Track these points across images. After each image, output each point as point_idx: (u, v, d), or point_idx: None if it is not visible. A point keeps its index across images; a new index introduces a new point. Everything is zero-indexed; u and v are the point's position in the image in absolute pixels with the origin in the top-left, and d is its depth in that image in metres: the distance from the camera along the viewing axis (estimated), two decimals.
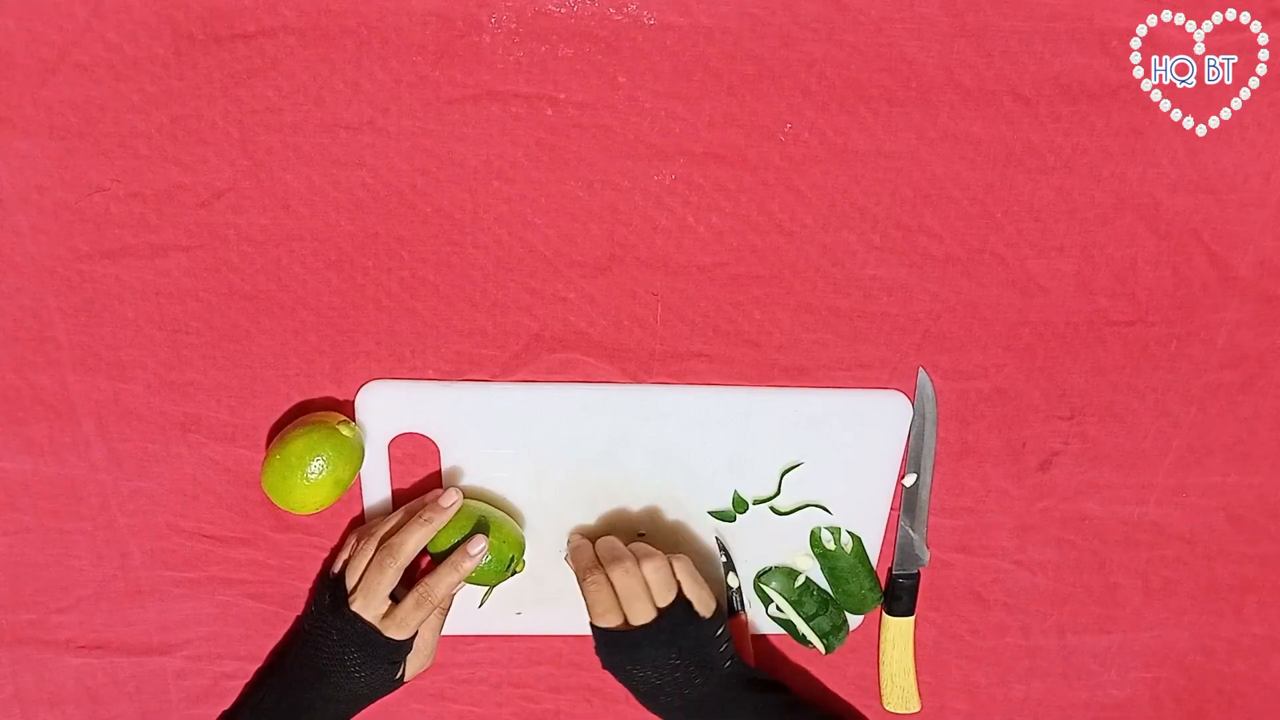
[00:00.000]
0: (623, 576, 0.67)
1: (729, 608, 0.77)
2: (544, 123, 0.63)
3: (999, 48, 0.62)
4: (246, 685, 0.78)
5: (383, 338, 0.68)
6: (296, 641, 0.73)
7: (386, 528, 0.68)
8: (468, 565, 0.68)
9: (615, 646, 0.68)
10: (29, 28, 0.58)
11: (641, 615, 0.66)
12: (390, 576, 0.67)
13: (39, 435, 0.69)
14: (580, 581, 0.68)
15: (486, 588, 0.72)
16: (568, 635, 0.79)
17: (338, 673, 0.68)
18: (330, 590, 0.69)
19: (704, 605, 0.69)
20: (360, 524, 0.74)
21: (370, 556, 0.67)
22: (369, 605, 0.67)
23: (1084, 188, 0.67)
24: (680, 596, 0.68)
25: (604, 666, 0.70)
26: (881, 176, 0.66)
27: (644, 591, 0.67)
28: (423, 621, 0.68)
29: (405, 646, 0.69)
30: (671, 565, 0.68)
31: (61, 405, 0.69)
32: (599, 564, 0.68)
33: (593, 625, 0.69)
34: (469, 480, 0.73)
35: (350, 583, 0.68)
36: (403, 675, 0.71)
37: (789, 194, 0.66)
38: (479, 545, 0.68)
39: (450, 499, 0.68)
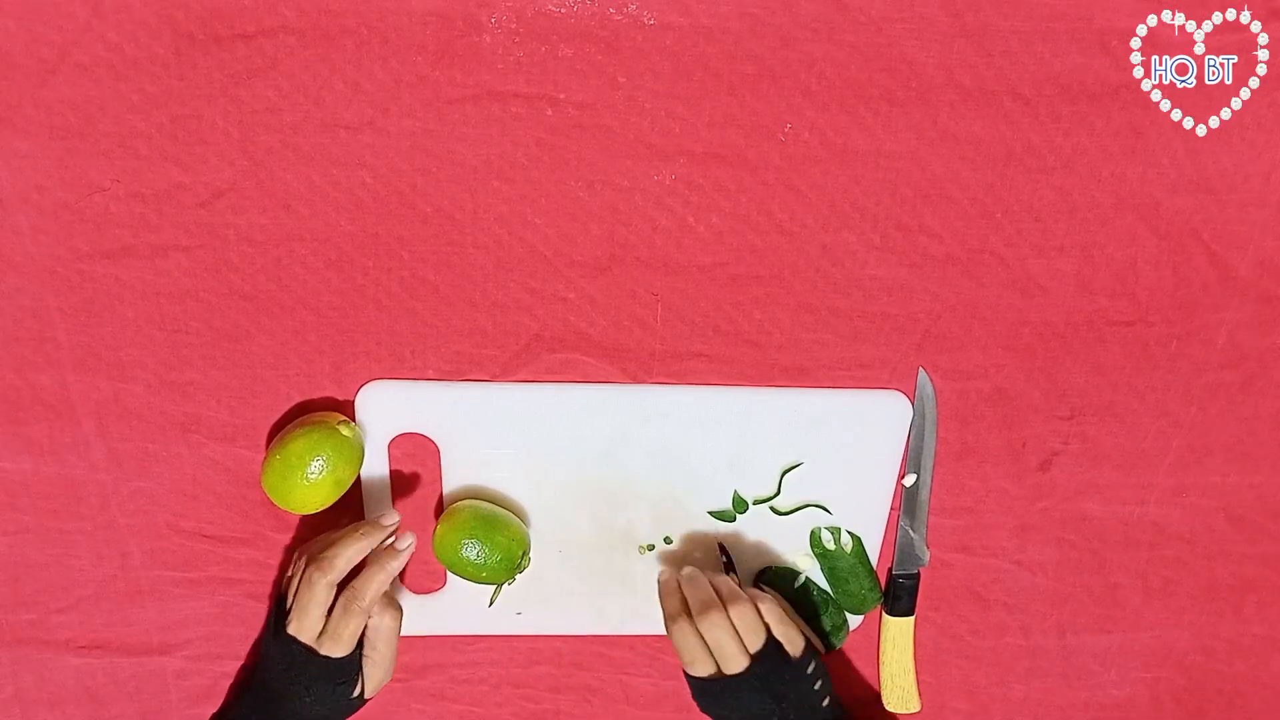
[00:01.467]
0: (711, 629, 0.66)
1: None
2: (544, 123, 0.63)
3: (999, 48, 0.62)
4: (228, 697, 0.77)
5: (383, 338, 0.68)
6: (258, 663, 0.70)
7: (324, 545, 0.66)
8: (395, 564, 0.66)
9: (711, 696, 0.67)
10: (29, 28, 0.58)
11: (734, 665, 0.65)
12: (321, 593, 0.63)
13: (39, 435, 0.69)
14: (666, 626, 0.68)
15: (495, 586, 0.72)
16: (568, 635, 0.79)
17: (290, 698, 0.66)
18: (274, 613, 0.66)
19: (793, 645, 0.68)
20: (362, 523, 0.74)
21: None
22: (303, 625, 0.64)
23: (1084, 188, 0.67)
24: (770, 638, 0.67)
25: (702, 711, 0.69)
26: (881, 176, 0.65)
27: (734, 641, 0.66)
28: (357, 631, 0.65)
29: (348, 664, 0.65)
30: (758, 607, 0.67)
31: (61, 405, 0.69)
32: (685, 609, 0.67)
33: (685, 674, 0.68)
34: (469, 480, 0.73)
35: (289, 603, 0.65)
36: (361, 693, 0.67)
37: (789, 194, 0.66)
38: (407, 541, 0.66)
39: (391, 519, 0.67)
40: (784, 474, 0.74)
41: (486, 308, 0.68)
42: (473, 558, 0.69)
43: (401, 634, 0.78)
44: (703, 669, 0.67)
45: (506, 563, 0.70)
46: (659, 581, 0.71)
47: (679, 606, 0.68)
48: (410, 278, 0.67)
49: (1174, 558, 0.81)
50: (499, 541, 0.69)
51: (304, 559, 0.66)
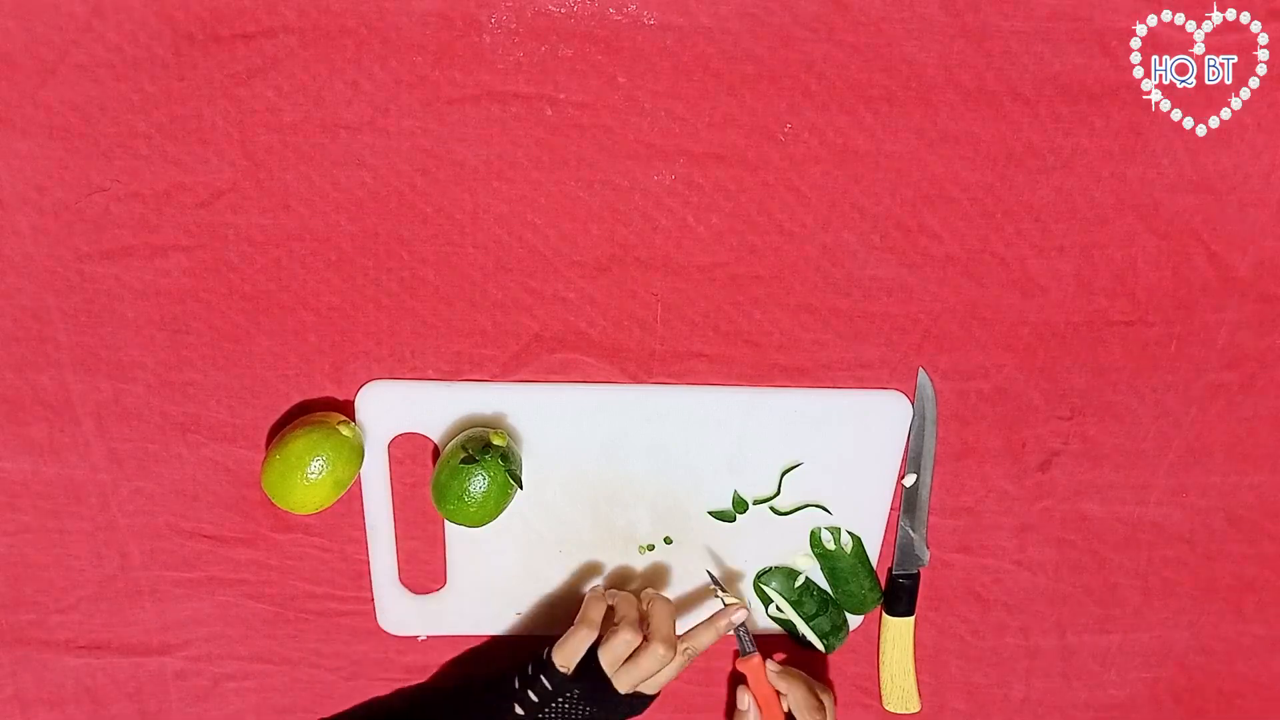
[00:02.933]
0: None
1: (740, 649, 0.75)
2: (544, 123, 0.63)
3: (999, 48, 0.62)
4: None
5: (383, 338, 0.68)
6: None
7: (628, 609, 0.71)
8: (723, 623, 0.71)
9: None
10: (29, 28, 0.58)
11: None
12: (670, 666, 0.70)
13: (39, 435, 0.69)
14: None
15: (514, 484, 0.68)
16: None
17: None
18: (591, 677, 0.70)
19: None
20: (360, 524, 0.74)
21: (636, 644, 0.69)
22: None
23: (1084, 188, 0.67)
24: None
25: None
26: (881, 176, 0.65)
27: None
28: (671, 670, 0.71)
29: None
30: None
31: (61, 405, 0.69)
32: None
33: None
34: None
35: (612, 670, 0.69)
36: None
37: (789, 194, 0.66)
38: (740, 614, 0.72)
39: (740, 614, 0.72)
40: (784, 474, 0.74)
41: (486, 308, 0.68)
42: (476, 490, 0.67)
43: (400, 634, 0.79)
44: None
45: (500, 478, 0.67)
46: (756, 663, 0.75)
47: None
48: (410, 278, 0.67)
49: (1174, 558, 0.81)
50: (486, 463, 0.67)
51: (628, 630, 0.69)
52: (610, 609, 0.72)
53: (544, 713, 0.70)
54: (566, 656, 0.69)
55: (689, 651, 0.70)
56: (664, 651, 0.68)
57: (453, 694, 0.76)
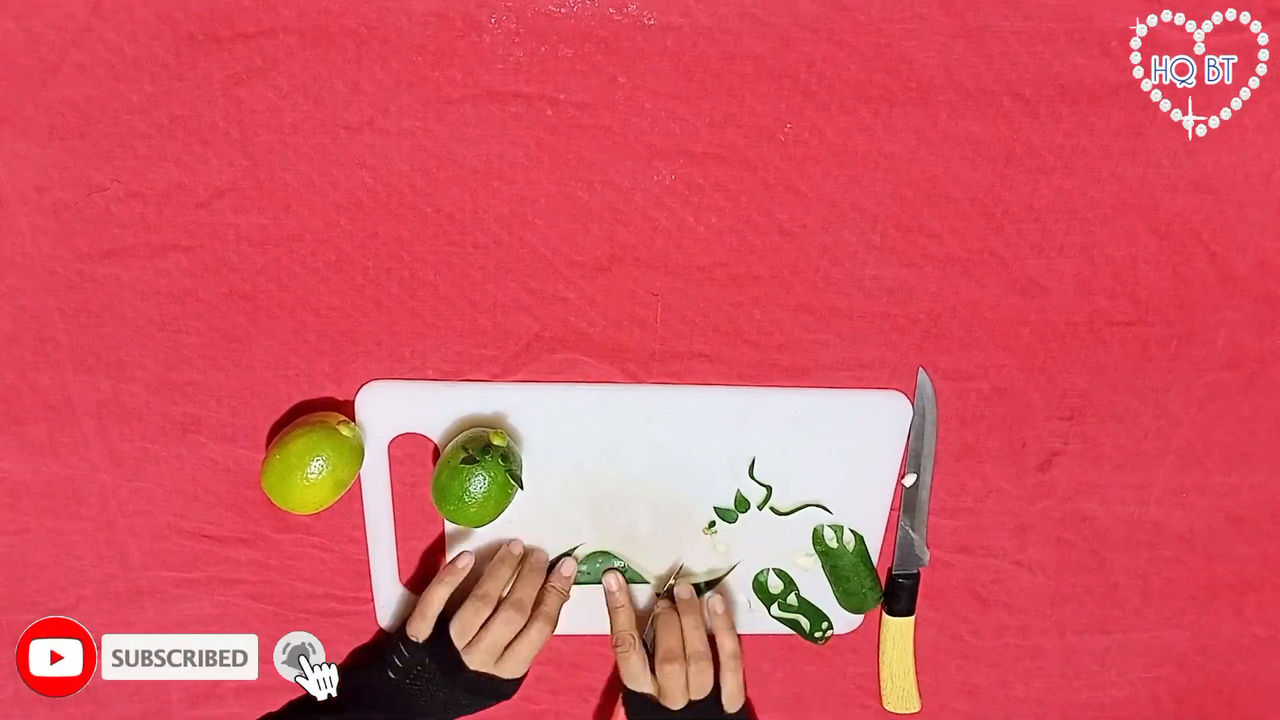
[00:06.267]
0: (667, 679, 0.72)
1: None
2: (544, 123, 0.63)
3: (999, 48, 0.62)
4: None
5: (383, 338, 0.68)
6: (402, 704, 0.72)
7: (489, 586, 0.71)
8: (565, 580, 0.73)
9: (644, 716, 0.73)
10: (29, 28, 0.58)
11: (675, 703, 0.72)
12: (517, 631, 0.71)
13: (39, 435, 0.69)
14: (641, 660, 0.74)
15: (514, 484, 0.69)
16: (568, 635, 0.79)
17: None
18: (437, 652, 0.71)
19: (732, 699, 0.74)
20: (360, 524, 0.74)
21: (486, 615, 0.71)
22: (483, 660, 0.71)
23: (1084, 188, 0.67)
24: (714, 689, 0.73)
25: None
26: (881, 176, 0.66)
27: (683, 691, 0.72)
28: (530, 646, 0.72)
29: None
30: (717, 657, 0.74)
31: (61, 405, 0.69)
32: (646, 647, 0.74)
33: (625, 686, 0.74)
34: None
35: (461, 642, 0.70)
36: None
37: (789, 194, 0.66)
38: (569, 566, 0.74)
39: (570, 566, 0.74)
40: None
41: (486, 308, 0.68)
42: (476, 490, 0.67)
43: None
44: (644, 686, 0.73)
45: (498, 475, 0.67)
46: (657, 616, 0.75)
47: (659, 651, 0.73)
48: (410, 278, 0.67)
49: (1174, 558, 0.81)
50: (486, 462, 0.67)
51: (480, 604, 0.71)
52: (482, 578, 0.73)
53: (407, 682, 0.71)
54: (416, 626, 0.71)
55: (543, 616, 0.71)
56: (514, 614, 0.70)
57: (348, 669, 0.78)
